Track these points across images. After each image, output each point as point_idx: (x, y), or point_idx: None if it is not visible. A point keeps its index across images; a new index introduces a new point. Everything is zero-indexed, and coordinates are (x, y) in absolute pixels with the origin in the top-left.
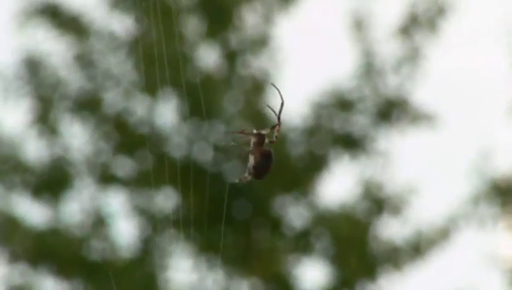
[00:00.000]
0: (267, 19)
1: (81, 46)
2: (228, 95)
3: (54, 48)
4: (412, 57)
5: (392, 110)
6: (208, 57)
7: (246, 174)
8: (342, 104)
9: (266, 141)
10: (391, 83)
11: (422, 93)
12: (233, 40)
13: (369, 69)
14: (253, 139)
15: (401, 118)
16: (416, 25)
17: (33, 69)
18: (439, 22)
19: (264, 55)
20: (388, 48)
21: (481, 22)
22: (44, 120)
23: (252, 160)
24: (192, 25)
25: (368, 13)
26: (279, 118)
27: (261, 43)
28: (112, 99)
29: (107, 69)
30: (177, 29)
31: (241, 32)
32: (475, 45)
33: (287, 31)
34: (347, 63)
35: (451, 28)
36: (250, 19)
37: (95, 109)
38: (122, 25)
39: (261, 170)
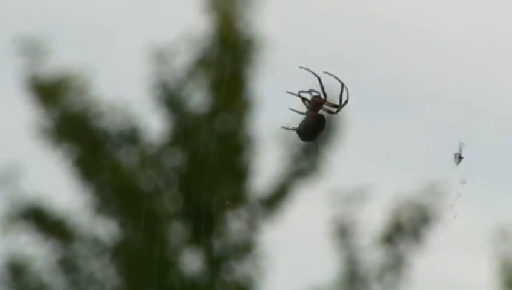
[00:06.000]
0: (252, 225)
1: (65, 250)
2: None
3: (37, 252)
4: (395, 265)
5: None
6: (192, 262)
7: (294, 127)
8: None
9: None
10: None
11: None
12: (217, 245)
13: (352, 276)
14: (310, 102)
15: None
16: (400, 233)
17: (16, 273)
18: (423, 231)
19: (247, 261)
20: (371, 256)
21: (466, 230)
22: None
23: (305, 119)
24: (176, 230)
25: (351, 220)
26: (341, 98)
27: (245, 249)
28: None
29: (91, 274)
30: (161, 235)
31: (225, 238)
32: (459, 252)
33: (271, 237)
34: (330, 269)
35: (436, 236)
36: (234, 225)
37: None
38: (106, 229)
39: (310, 129)
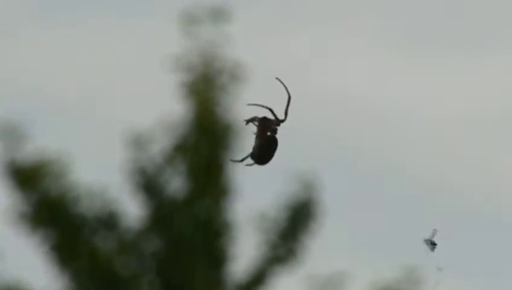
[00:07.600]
0: None
1: None
2: None
3: None
4: None
5: None
6: None
7: (249, 158)
8: None
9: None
10: None
11: None
12: None
13: None
14: (258, 124)
15: None
16: None
17: None
18: None
19: None
20: None
21: None
22: None
23: (256, 142)
24: None
25: None
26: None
27: None
28: None
29: None
30: None
31: None
32: None
33: None
34: None
35: None
36: None
37: None
38: None
39: (263, 150)
